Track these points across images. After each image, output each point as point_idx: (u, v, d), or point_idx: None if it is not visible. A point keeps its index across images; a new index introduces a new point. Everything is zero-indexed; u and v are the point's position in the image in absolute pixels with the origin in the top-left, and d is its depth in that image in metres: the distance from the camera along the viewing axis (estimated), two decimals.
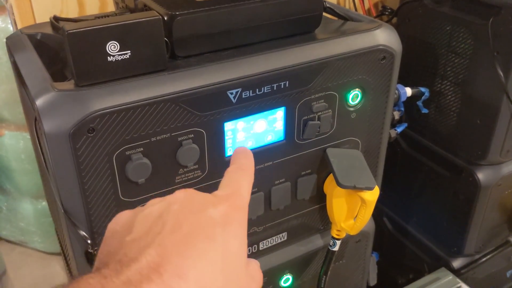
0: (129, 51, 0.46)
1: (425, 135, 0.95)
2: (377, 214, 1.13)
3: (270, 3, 0.54)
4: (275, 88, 0.54)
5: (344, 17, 0.65)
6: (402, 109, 0.73)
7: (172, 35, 0.50)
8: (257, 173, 0.58)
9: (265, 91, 0.54)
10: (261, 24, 0.54)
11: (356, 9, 0.98)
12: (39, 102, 0.45)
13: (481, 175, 0.86)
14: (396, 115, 0.71)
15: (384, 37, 0.60)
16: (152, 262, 0.27)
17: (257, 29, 0.55)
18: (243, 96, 0.52)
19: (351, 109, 0.62)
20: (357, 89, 0.61)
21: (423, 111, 0.78)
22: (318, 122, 0.59)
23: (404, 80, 0.86)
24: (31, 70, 0.50)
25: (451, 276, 0.91)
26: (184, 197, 0.33)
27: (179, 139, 0.51)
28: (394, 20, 0.95)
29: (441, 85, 0.87)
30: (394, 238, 1.10)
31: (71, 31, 0.44)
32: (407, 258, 1.07)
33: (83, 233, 0.49)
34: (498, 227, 0.95)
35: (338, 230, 0.67)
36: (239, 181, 0.36)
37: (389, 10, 0.94)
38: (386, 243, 1.13)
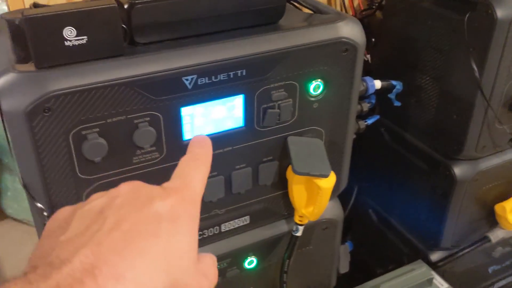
0: (86, 37, 0.49)
1: (407, 129, 0.96)
2: (363, 206, 1.15)
3: None
4: (231, 76, 0.56)
5: (311, 9, 0.66)
6: (373, 101, 0.75)
7: (131, 23, 0.53)
8: (217, 157, 0.61)
9: (222, 78, 0.56)
10: (222, 14, 0.56)
11: (344, 2, 1.00)
12: None
13: (457, 170, 0.87)
14: (365, 107, 0.72)
15: (347, 30, 0.61)
16: (86, 264, 0.25)
17: (217, 19, 0.57)
18: (199, 83, 0.55)
19: (313, 99, 0.63)
20: (319, 79, 0.62)
21: (395, 104, 0.79)
22: (278, 110, 0.61)
23: (387, 74, 0.87)
24: None
25: (425, 268, 0.92)
26: (128, 190, 0.31)
27: (135, 121, 0.54)
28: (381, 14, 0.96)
29: (422, 80, 0.88)
30: (378, 230, 1.11)
31: (29, 17, 0.46)
32: (389, 249, 1.08)
33: (39, 205, 0.52)
34: (476, 222, 0.95)
35: (300, 216, 0.69)
36: (192, 172, 0.35)
37: (376, 4, 0.95)
38: (371, 234, 1.14)
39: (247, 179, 0.65)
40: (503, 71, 0.76)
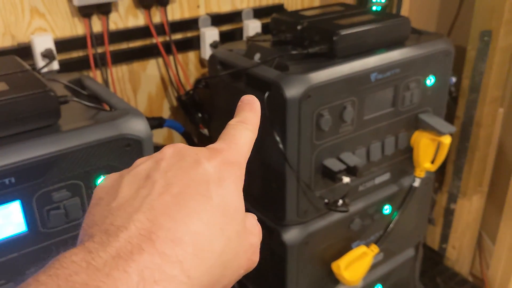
0: None
1: (246, 199, 0.99)
2: None
3: None
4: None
5: (100, 106, 0.69)
6: None
7: None
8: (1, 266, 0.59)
9: None
10: None
11: (179, 80, 1.04)
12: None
13: (286, 235, 0.91)
14: None
15: (129, 125, 0.64)
16: (142, 229, 0.26)
17: None
18: None
19: None
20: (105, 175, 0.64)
21: None
22: (64, 210, 0.62)
23: None
24: None
25: None
26: (173, 152, 0.31)
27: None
28: None
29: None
30: None
31: None
32: None
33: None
34: (319, 281, 0.99)
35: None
36: (237, 135, 0.35)
37: (203, 84, 1.00)
38: None
39: None
40: (304, 142, 0.81)
